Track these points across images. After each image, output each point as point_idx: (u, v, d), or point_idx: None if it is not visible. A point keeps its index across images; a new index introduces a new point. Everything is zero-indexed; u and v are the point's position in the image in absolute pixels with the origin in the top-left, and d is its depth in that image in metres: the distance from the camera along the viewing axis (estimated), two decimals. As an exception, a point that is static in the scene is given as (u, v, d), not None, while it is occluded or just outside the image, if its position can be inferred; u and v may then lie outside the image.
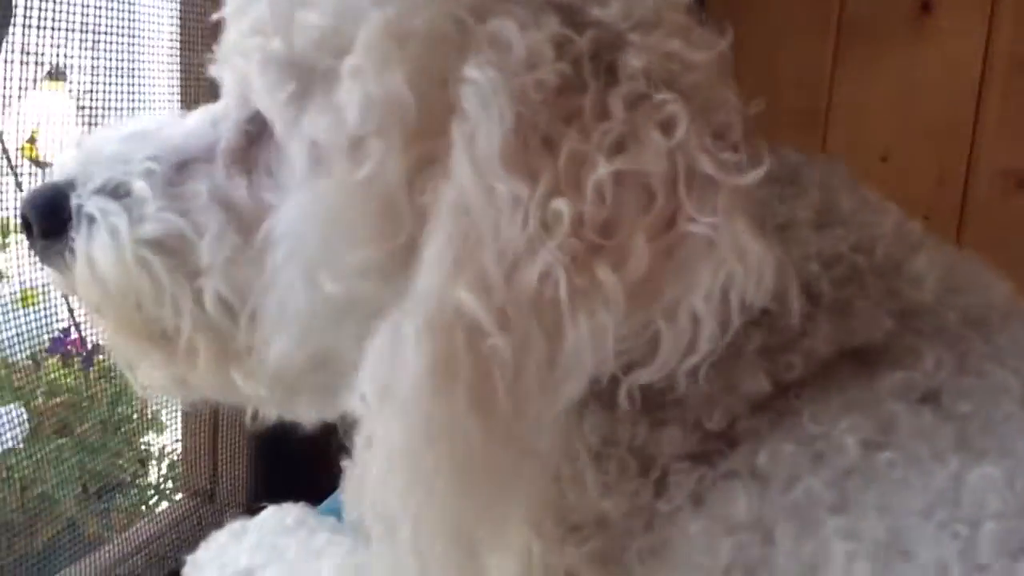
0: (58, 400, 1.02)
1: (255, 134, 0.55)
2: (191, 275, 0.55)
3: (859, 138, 1.34)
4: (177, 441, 1.17)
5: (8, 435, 0.90)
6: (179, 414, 1.14)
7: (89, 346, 1.06)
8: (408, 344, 0.45)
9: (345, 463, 1.02)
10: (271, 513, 0.87)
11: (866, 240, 0.55)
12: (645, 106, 0.46)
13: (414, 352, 0.44)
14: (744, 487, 0.49)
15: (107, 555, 1.00)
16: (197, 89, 0.94)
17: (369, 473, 0.49)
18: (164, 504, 1.18)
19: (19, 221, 0.60)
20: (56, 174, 0.59)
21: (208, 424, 1.12)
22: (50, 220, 0.57)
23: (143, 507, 1.20)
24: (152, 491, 1.23)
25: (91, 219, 0.56)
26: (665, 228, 0.45)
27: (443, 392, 0.44)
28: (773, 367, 0.51)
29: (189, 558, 0.89)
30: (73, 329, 1.03)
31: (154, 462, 1.22)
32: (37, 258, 0.60)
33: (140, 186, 0.56)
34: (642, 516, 0.51)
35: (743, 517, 0.48)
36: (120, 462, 1.13)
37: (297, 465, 1.11)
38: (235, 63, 0.55)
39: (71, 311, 0.99)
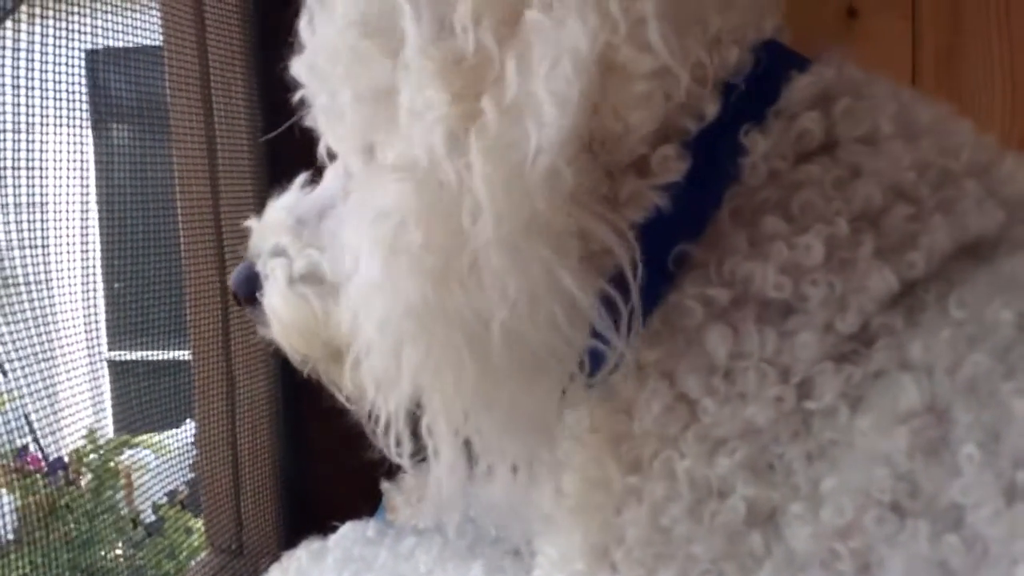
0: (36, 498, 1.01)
1: None
2: (337, 297, 0.65)
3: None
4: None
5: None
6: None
7: (51, 459, 1.06)
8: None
9: (385, 486, 1.05)
10: (350, 528, 0.91)
11: (951, 147, 0.56)
12: None
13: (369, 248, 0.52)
14: (911, 378, 0.50)
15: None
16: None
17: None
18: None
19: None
20: (249, 250, 0.72)
21: (229, 478, 1.13)
22: (248, 290, 0.71)
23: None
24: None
25: (267, 277, 0.69)
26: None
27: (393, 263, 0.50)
28: (895, 266, 0.52)
29: None
30: (32, 444, 1.02)
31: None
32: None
33: (288, 240, 0.68)
34: (793, 421, 0.52)
35: (915, 405, 0.50)
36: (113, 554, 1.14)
37: (323, 506, 1.11)
38: None
39: (31, 426, 0.98)
